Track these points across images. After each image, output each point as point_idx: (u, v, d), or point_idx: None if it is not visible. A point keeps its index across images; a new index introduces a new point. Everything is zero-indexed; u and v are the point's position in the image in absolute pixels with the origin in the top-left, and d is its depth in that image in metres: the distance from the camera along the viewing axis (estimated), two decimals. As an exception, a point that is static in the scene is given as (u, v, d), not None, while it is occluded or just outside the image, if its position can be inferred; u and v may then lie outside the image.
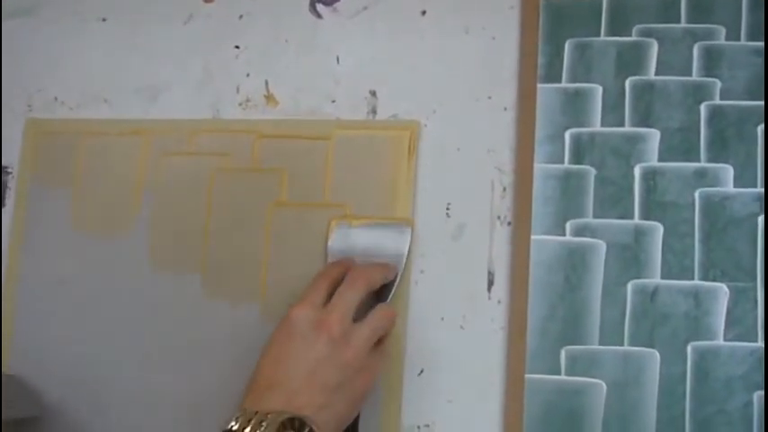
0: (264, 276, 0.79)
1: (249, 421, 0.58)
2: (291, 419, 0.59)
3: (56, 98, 0.89)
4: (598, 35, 0.78)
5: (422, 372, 0.76)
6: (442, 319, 0.77)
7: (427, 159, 0.79)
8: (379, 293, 0.74)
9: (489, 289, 0.76)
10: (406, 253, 0.76)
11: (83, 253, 0.83)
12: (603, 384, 0.73)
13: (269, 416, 0.58)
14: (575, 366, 0.73)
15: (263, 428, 0.57)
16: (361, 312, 0.70)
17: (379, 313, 0.69)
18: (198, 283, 0.80)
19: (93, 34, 0.89)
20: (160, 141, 0.84)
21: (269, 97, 0.84)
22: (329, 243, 0.77)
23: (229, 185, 0.82)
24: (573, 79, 0.78)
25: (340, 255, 0.76)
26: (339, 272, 0.71)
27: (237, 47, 0.85)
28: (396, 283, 0.75)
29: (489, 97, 0.79)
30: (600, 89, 0.77)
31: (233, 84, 0.85)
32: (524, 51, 0.79)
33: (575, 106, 0.77)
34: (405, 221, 0.77)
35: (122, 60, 0.88)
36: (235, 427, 0.58)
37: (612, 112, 0.77)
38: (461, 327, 0.76)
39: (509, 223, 0.77)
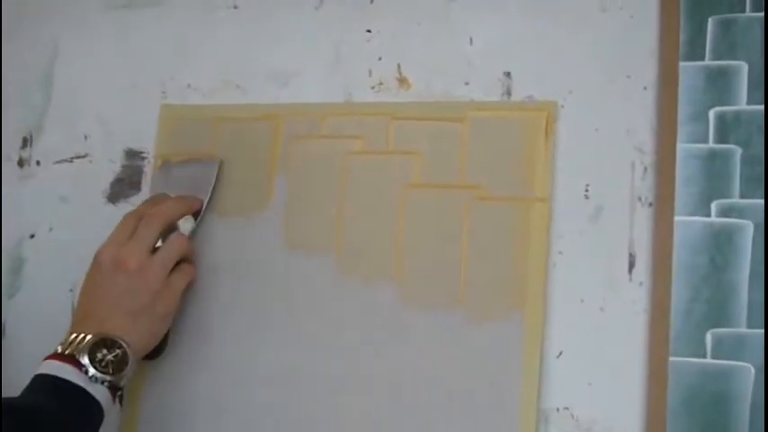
0: (400, 258, 0.80)
1: (70, 344, 0.71)
2: (104, 339, 0.72)
3: (189, 85, 0.91)
4: (743, 11, 0.76)
5: (561, 354, 0.75)
6: (582, 300, 0.76)
7: (564, 140, 0.78)
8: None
9: (630, 271, 0.75)
10: (213, 185, 0.84)
11: (219, 235, 0.85)
12: (751, 368, 0.71)
13: (85, 337, 0.72)
14: (721, 349, 0.72)
15: (81, 346, 0.71)
16: None
17: (170, 240, 0.79)
18: (333, 264, 0.81)
19: (224, 21, 0.91)
20: (292, 125, 0.85)
21: (402, 80, 0.84)
22: (153, 182, 0.87)
23: (363, 168, 0.83)
24: (717, 57, 0.76)
25: (161, 191, 0.85)
26: (145, 209, 0.81)
27: (369, 30, 0.86)
28: (201, 215, 0.83)
29: (628, 76, 0.78)
30: (745, 66, 0.75)
31: (365, 67, 0.85)
32: (665, 29, 0.77)
33: (719, 84, 0.75)
34: (212, 157, 0.85)
35: (254, 46, 0.89)
36: (59, 350, 0.71)
37: (759, 89, 0.75)
38: (601, 309, 0.75)
39: (650, 204, 0.76)
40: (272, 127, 0.86)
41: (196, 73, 0.91)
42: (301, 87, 0.87)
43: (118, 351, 0.72)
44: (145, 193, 0.88)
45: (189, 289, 0.81)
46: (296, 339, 0.81)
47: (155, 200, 0.84)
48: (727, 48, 0.76)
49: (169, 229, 0.80)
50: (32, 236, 0.91)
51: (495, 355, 0.76)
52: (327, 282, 0.81)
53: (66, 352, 0.71)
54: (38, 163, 0.93)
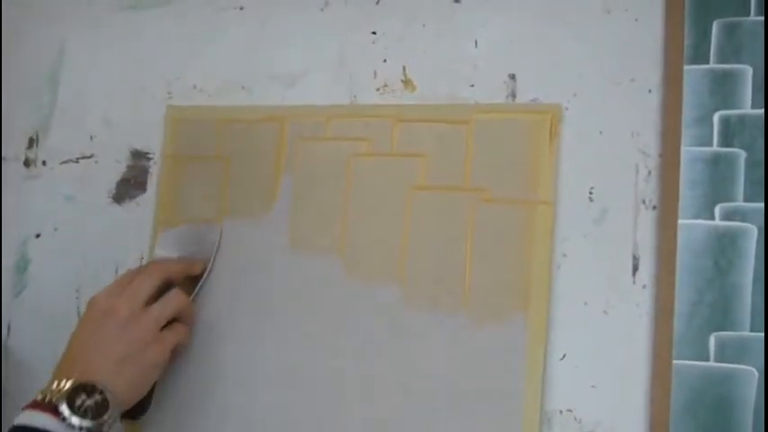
0: (404, 259, 0.80)
1: (50, 391, 0.70)
2: (83, 384, 0.70)
3: (194, 86, 0.91)
4: (747, 15, 0.76)
5: (564, 356, 0.75)
6: (586, 303, 0.76)
7: (569, 143, 0.79)
8: (189, 286, 0.82)
9: (634, 274, 0.75)
10: (216, 249, 0.84)
11: (224, 235, 0.85)
12: (755, 371, 0.71)
13: (65, 384, 0.70)
14: (724, 353, 0.72)
15: (60, 393, 0.69)
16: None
17: (168, 296, 0.78)
18: (338, 265, 0.81)
19: (230, 23, 0.91)
20: (298, 127, 0.86)
21: (407, 82, 0.84)
22: (156, 249, 0.84)
23: (368, 169, 0.83)
24: (721, 60, 0.76)
25: (165, 257, 0.83)
26: (147, 265, 0.82)
27: (374, 32, 0.86)
28: (203, 278, 0.83)
29: (632, 79, 0.78)
30: (750, 70, 0.75)
31: (370, 69, 0.86)
32: (669, 33, 0.77)
33: (723, 88, 0.75)
34: (214, 223, 0.85)
35: (259, 48, 0.90)
36: (39, 398, 0.70)
37: (763, 93, 0.75)
38: (605, 311, 0.75)
39: (654, 207, 0.76)
40: (277, 128, 0.86)
41: (202, 74, 0.91)
42: (307, 89, 0.87)
43: (98, 396, 0.70)
44: (150, 193, 0.89)
45: (179, 351, 0.81)
46: (299, 339, 0.81)
47: (156, 260, 0.83)
48: (731, 51, 0.76)
49: (168, 287, 0.79)
50: (38, 235, 0.92)
51: (498, 357, 0.76)
52: (331, 282, 0.81)
53: (46, 400, 0.69)
54: (44, 163, 0.94)
